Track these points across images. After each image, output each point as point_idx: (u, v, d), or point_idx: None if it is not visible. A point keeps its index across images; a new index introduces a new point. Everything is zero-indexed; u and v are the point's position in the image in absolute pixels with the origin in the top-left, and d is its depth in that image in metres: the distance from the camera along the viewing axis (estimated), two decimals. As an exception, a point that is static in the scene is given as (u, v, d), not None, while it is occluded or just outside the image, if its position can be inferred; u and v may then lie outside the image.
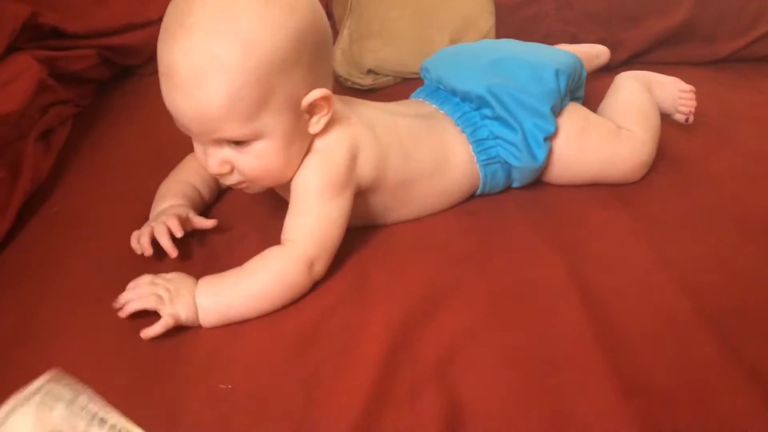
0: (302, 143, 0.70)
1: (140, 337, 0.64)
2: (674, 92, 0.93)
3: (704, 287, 0.70)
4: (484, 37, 1.14)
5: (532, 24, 1.16)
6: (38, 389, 0.56)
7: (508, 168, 0.81)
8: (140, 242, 0.72)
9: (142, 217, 0.79)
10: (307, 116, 0.68)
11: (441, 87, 0.85)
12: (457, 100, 0.82)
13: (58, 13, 0.97)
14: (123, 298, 0.65)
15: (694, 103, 0.92)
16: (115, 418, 0.55)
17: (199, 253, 0.76)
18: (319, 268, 0.69)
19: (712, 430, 0.56)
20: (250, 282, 0.66)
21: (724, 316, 0.66)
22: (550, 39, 1.12)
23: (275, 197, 0.80)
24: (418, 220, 0.80)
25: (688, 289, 0.69)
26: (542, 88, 0.80)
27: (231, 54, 0.61)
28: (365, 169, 0.73)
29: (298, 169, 0.71)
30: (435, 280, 0.71)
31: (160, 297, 0.64)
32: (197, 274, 0.70)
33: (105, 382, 0.61)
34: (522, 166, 0.80)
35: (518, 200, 0.84)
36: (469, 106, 0.81)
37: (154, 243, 0.72)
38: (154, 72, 1.13)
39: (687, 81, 0.97)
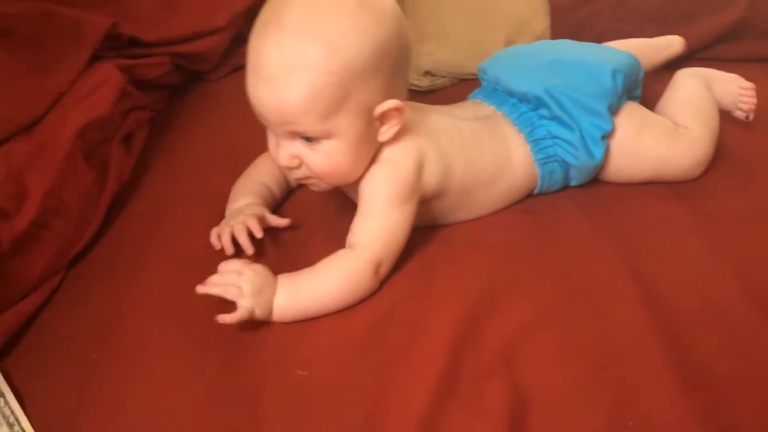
0: (370, 148, 0.73)
1: (222, 326, 0.69)
2: (734, 89, 0.93)
3: (762, 281, 0.71)
4: (539, 38, 1.15)
5: (586, 23, 1.17)
6: None
7: (565, 166, 0.84)
8: (222, 240, 0.77)
9: (216, 215, 0.84)
10: (378, 124, 0.72)
11: (498, 88, 0.87)
12: (514, 100, 0.84)
13: (134, 23, 1.02)
14: (210, 279, 0.69)
15: (754, 100, 0.92)
16: (22, 423, 0.61)
17: (271, 250, 0.81)
18: (384, 270, 0.73)
19: (772, 420, 0.58)
20: (323, 285, 0.70)
21: (785, 312, 0.68)
22: (604, 38, 1.12)
23: (341, 196, 0.84)
24: (478, 218, 0.83)
25: (745, 283, 0.71)
26: (599, 88, 0.82)
27: (317, 55, 0.65)
28: (430, 181, 0.76)
29: (365, 175, 0.74)
30: (497, 276, 0.74)
31: (240, 289, 0.67)
32: (269, 267, 0.75)
33: (192, 368, 0.67)
34: (580, 165, 0.83)
35: (576, 198, 0.86)
36: (526, 107, 0.83)
37: (233, 240, 0.77)
38: (222, 77, 1.21)
39: (745, 78, 0.98)
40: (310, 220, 0.85)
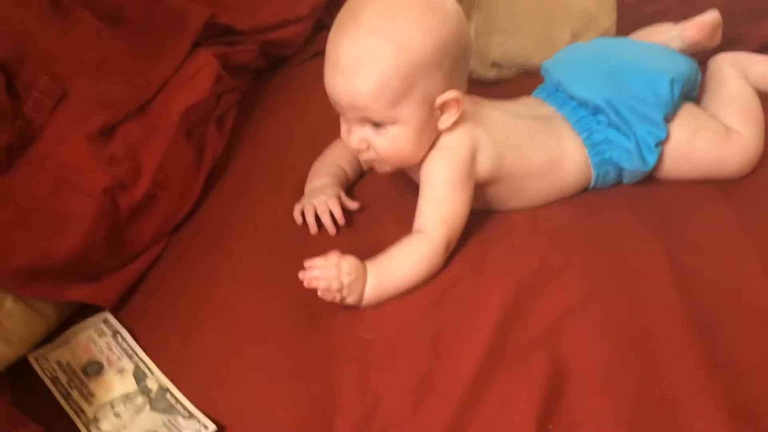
0: (430, 135, 0.81)
1: (301, 292, 0.80)
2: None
3: (796, 277, 0.77)
4: (605, 34, 1.19)
5: (653, 21, 1.20)
6: (99, 320, 0.77)
7: (619, 168, 0.90)
8: (306, 218, 0.87)
9: (297, 190, 0.94)
10: (438, 113, 0.80)
11: (560, 90, 0.93)
12: (574, 104, 0.90)
13: (229, 13, 1.12)
14: (313, 272, 0.75)
15: None
16: (140, 355, 0.74)
17: (344, 229, 0.90)
18: (452, 247, 0.82)
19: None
20: (402, 270, 0.78)
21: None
22: (670, 35, 1.16)
23: (406, 178, 0.93)
24: (534, 208, 0.90)
25: (779, 278, 0.77)
26: (657, 98, 0.87)
27: (387, 51, 0.74)
28: (483, 167, 0.83)
29: (425, 161, 0.82)
30: (547, 261, 0.82)
31: (340, 283, 0.74)
32: (342, 245, 0.84)
33: (272, 327, 0.78)
34: (633, 170, 0.89)
35: (628, 193, 0.91)
36: (585, 111, 0.89)
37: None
38: (305, 60, 1.30)
39: None
40: (377, 201, 0.94)
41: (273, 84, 1.24)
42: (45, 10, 1.00)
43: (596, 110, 0.88)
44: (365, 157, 0.83)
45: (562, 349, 0.72)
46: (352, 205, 0.90)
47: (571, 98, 0.91)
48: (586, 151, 0.88)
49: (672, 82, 0.88)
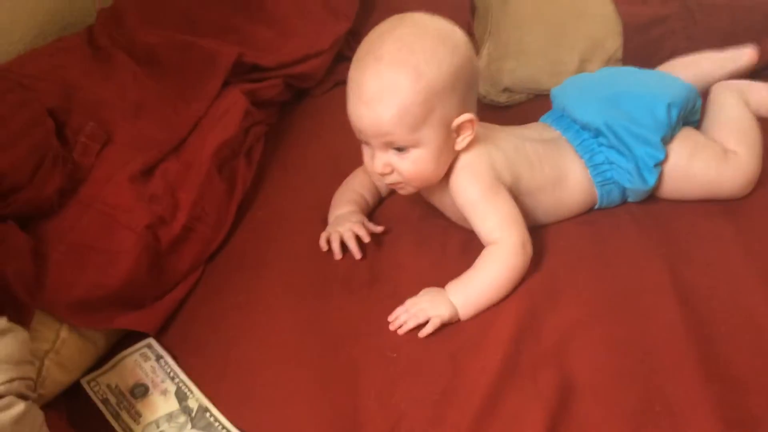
0: (449, 156, 0.88)
1: (331, 315, 0.86)
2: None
3: (791, 294, 0.81)
4: (611, 57, 1.25)
5: (658, 43, 1.25)
6: (143, 345, 0.84)
7: (622, 188, 0.95)
8: (332, 245, 0.94)
9: (322, 216, 1.01)
10: (455, 135, 0.86)
11: (565, 115, 0.99)
12: (577, 127, 0.96)
13: (255, 51, 1.20)
14: (399, 320, 0.83)
15: None
16: (181, 377, 0.80)
17: (368, 251, 0.96)
18: (529, 246, 0.87)
19: (781, 414, 0.70)
20: (488, 278, 0.85)
21: (806, 318, 0.78)
22: (675, 56, 1.21)
23: (424, 204, 0.99)
24: (544, 227, 0.95)
25: (776, 294, 0.81)
26: (654, 122, 0.92)
27: (406, 80, 0.80)
28: (503, 174, 0.90)
29: (454, 188, 0.88)
30: (557, 279, 0.88)
31: (424, 309, 0.83)
32: (365, 270, 0.92)
33: (302, 349, 0.84)
34: (634, 189, 0.94)
35: (633, 213, 0.97)
36: (587, 135, 0.95)
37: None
38: (326, 91, 1.37)
39: None
40: (397, 225, 1.00)
41: (297, 115, 1.31)
42: (87, 57, 1.09)
43: (597, 133, 0.94)
44: (389, 180, 0.89)
45: (570, 364, 0.77)
46: (377, 228, 0.96)
47: (575, 122, 0.96)
48: (589, 171, 0.94)
49: (669, 106, 0.93)
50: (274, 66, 1.21)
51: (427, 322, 0.82)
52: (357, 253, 0.93)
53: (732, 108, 1.00)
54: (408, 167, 0.86)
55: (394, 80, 0.81)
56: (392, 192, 1.02)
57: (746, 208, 0.95)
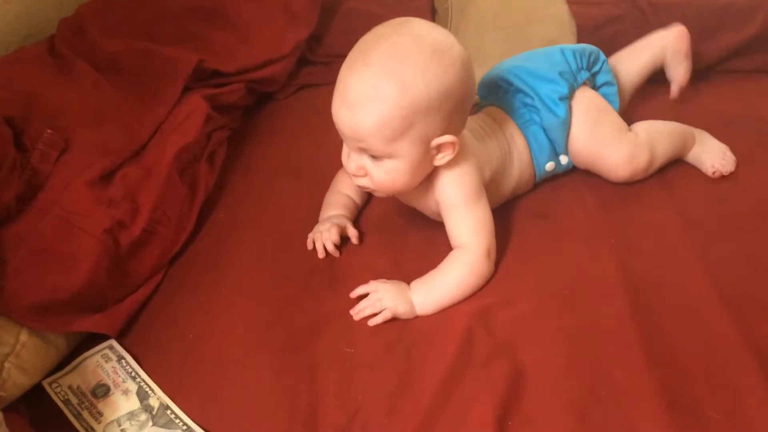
0: (425, 170, 0.87)
1: (290, 314, 0.88)
2: (720, 152, 1.04)
3: (733, 280, 0.85)
4: (567, 57, 1.29)
5: (611, 43, 1.28)
6: (105, 347, 0.85)
7: (543, 129, 0.99)
8: (317, 246, 0.97)
9: (284, 217, 1.03)
10: (435, 152, 0.85)
11: (483, 87, 1.05)
12: (493, 88, 1.03)
13: (216, 57, 1.21)
14: (360, 305, 0.87)
15: (731, 168, 1.03)
16: (142, 376, 0.81)
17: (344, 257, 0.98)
18: (494, 254, 0.89)
19: (719, 397, 0.72)
20: (450, 280, 0.87)
21: (745, 304, 0.82)
22: (628, 55, 1.24)
23: (385, 200, 1.01)
24: (498, 221, 0.96)
25: (716, 280, 0.85)
26: (550, 63, 1.00)
27: (391, 91, 0.79)
28: (485, 172, 0.93)
29: (438, 188, 0.89)
30: (509, 272, 0.90)
31: (381, 299, 0.85)
32: (326, 267, 0.93)
33: (262, 346, 0.85)
34: (549, 124, 0.99)
35: (587, 207, 1.00)
36: (501, 92, 1.02)
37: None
38: (289, 95, 1.38)
39: (759, 89, 1.12)
40: (359, 224, 1.02)
41: (260, 119, 1.32)
42: (48, 66, 1.10)
43: (507, 85, 1.01)
44: (360, 183, 0.89)
45: (522, 354, 0.79)
46: (352, 234, 0.98)
47: (492, 88, 1.03)
48: (512, 118, 1.00)
49: (562, 50, 1.02)
50: (235, 71, 1.23)
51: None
52: (321, 253, 0.96)
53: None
54: (380, 176, 0.86)
55: (378, 89, 0.79)
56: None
57: (692, 200, 0.99)
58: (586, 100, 1.01)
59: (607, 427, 0.71)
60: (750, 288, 0.84)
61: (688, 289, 0.85)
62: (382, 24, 0.84)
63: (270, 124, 1.30)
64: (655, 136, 1.02)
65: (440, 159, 0.86)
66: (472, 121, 0.97)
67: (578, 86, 1.02)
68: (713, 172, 1.03)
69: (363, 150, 0.84)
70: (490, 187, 0.94)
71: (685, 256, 0.89)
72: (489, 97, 1.06)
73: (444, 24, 1.40)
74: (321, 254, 0.96)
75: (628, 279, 0.87)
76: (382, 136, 0.81)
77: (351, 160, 0.87)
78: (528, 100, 1.00)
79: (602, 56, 1.07)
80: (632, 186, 1.02)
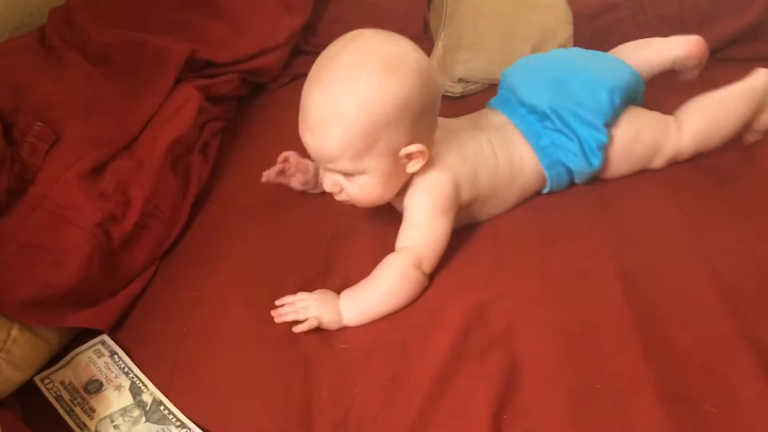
0: (399, 180, 0.87)
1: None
2: None
3: (730, 271, 0.84)
4: (563, 46, 1.26)
5: (607, 31, 1.27)
6: (97, 342, 0.85)
7: (569, 170, 0.97)
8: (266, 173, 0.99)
9: (279, 209, 1.02)
10: (405, 160, 0.85)
11: (512, 97, 1.00)
12: (524, 111, 0.98)
13: (208, 47, 1.20)
14: (282, 310, 0.86)
15: None
16: (135, 372, 0.81)
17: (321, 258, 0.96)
18: (426, 267, 0.87)
19: (715, 389, 0.72)
20: (378, 284, 0.86)
21: (743, 296, 0.81)
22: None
23: (390, 209, 1.00)
24: (495, 217, 0.97)
25: (714, 272, 0.84)
26: (597, 105, 0.95)
27: (349, 111, 0.79)
28: (465, 192, 0.91)
29: (409, 192, 0.88)
30: (504, 265, 0.89)
31: (307, 308, 0.85)
32: (319, 260, 0.93)
33: (256, 341, 0.85)
34: (580, 171, 0.96)
35: (582, 198, 0.99)
36: (533, 118, 0.97)
37: None
38: (283, 85, 1.37)
39: None
40: (354, 218, 1.01)
41: (254, 109, 1.31)
42: (39, 57, 1.09)
43: (543, 116, 0.96)
44: (339, 198, 0.89)
45: (517, 347, 0.79)
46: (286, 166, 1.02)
47: (522, 105, 0.98)
48: (536, 154, 0.96)
49: (611, 91, 0.96)
50: (228, 62, 1.22)
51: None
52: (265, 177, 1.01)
53: (733, 102, 1.01)
54: (355, 191, 0.86)
55: (336, 110, 0.80)
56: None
57: (689, 190, 0.98)
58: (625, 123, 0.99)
59: (603, 419, 0.71)
60: (748, 280, 0.83)
61: (686, 280, 0.84)
62: (334, 42, 0.84)
63: (264, 115, 1.29)
64: (710, 119, 1.00)
65: (412, 166, 0.86)
66: (482, 137, 0.95)
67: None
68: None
69: (332, 170, 0.85)
70: (488, 198, 0.94)
71: (682, 248, 0.88)
72: (511, 114, 0.99)
73: (439, 11, 1.38)
74: (264, 179, 1.00)
75: (624, 270, 0.86)
76: (347, 156, 0.82)
77: (325, 179, 0.88)
78: (563, 142, 0.95)
79: (642, 86, 1.03)
80: (629, 176, 1.01)
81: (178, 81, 1.14)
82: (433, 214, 0.88)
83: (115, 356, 0.83)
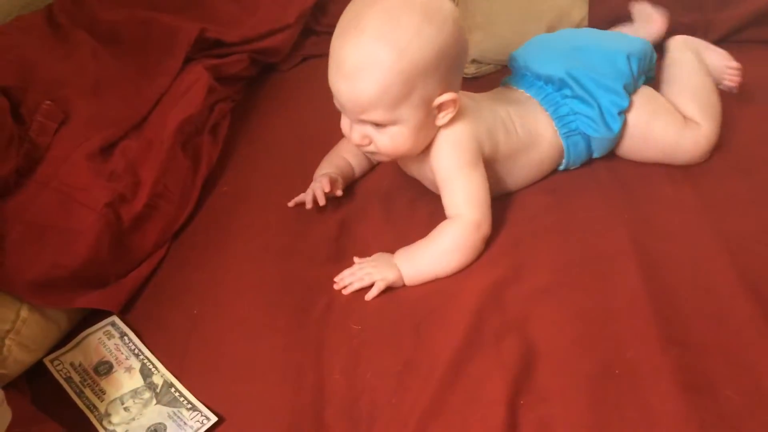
0: (429, 132, 0.86)
1: (296, 289, 0.86)
2: (722, 65, 1.04)
3: (748, 255, 0.82)
4: (577, 26, 1.24)
5: (623, 11, 1.25)
6: (107, 323, 0.84)
7: (587, 139, 0.95)
8: (306, 198, 0.96)
9: (290, 190, 1.00)
10: (436, 111, 0.84)
11: (527, 73, 0.99)
12: (540, 83, 0.96)
13: (218, 26, 1.18)
14: (344, 281, 0.86)
15: (739, 79, 1.03)
16: (146, 353, 0.80)
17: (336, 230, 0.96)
18: (486, 227, 0.87)
19: (736, 377, 0.70)
20: (437, 251, 0.85)
21: (763, 281, 0.79)
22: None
23: (392, 175, 0.99)
24: (509, 196, 0.95)
25: (734, 257, 0.82)
26: (615, 71, 0.94)
27: (388, 56, 0.78)
28: (485, 145, 0.89)
29: (434, 156, 0.88)
30: (520, 248, 0.88)
31: (370, 273, 0.84)
32: (331, 242, 0.92)
33: (268, 323, 0.84)
34: (600, 137, 0.95)
35: (597, 178, 0.98)
36: (551, 88, 0.95)
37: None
38: (293, 66, 1.35)
39: None
40: (365, 200, 1.00)
41: (264, 90, 1.29)
42: (47, 35, 1.07)
43: (561, 85, 0.95)
44: (366, 150, 0.88)
45: (533, 332, 0.78)
46: (336, 187, 0.97)
47: (538, 78, 0.97)
48: (555, 123, 0.95)
49: (628, 56, 0.95)
50: (238, 41, 1.20)
51: (372, 286, 0.84)
52: (309, 203, 0.96)
53: (692, 72, 1.01)
54: (385, 142, 0.85)
55: (375, 56, 0.78)
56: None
57: (708, 174, 0.96)
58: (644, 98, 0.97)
59: (621, 405, 0.70)
60: (768, 265, 0.82)
61: (705, 265, 0.82)
62: None
63: (274, 96, 1.28)
64: (707, 108, 0.99)
65: (443, 118, 0.85)
66: (500, 108, 0.94)
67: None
68: (731, 89, 1.04)
69: (364, 120, 0.83)
70: (506, 164, 0.93)
71: (701, 232, 0.87)
72: (528, 88, 0.98)
73: (452, -8, 1.36)
74: (309, 205, 0.96)
75: (642, 255, 0.84)
76: (384, 104, 0.80)
77: (354, 130, 0.85)
78: (582, 109, 0.94)
79: (655, 57, 1.02)
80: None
81: (188, 61, 1.13)
82: (465, 169, 0.87)
83: (125, 338, 0.82)
